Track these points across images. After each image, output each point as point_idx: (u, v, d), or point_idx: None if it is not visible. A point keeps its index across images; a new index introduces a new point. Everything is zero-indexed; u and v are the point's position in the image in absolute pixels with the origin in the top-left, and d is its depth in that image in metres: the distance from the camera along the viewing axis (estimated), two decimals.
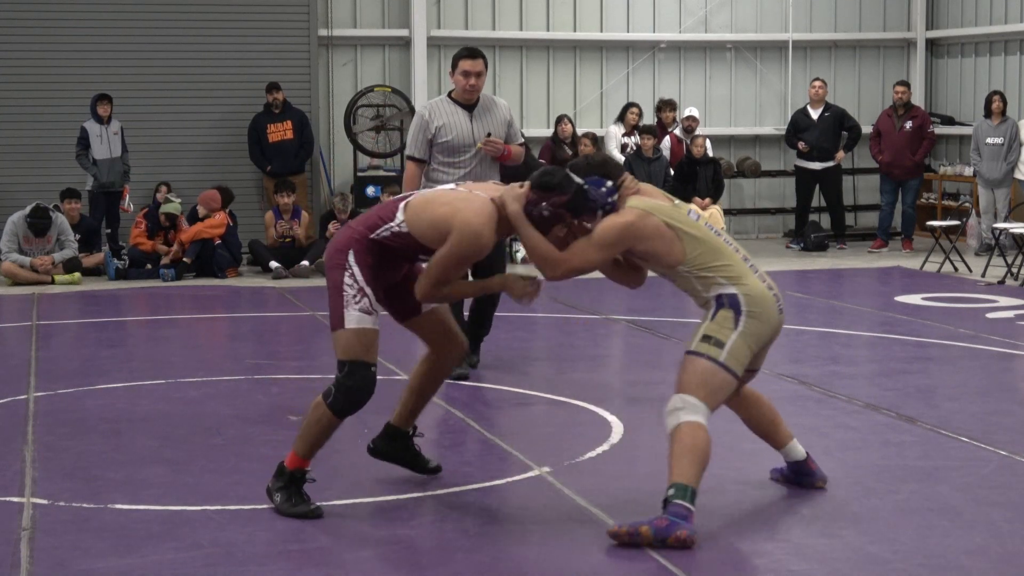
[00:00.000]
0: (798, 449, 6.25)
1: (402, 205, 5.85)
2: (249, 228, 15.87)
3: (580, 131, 16.90)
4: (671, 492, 5.44)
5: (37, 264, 14.42)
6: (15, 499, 5.97)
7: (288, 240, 15.28)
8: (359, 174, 16.82)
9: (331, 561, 5.29)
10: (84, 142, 15.28)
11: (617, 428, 7.38)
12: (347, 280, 5.80)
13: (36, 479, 6.33)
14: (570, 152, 16.60)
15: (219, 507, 5.90)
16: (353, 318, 5.79)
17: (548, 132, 17.41)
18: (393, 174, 16.72)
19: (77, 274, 14.57)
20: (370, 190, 16.52)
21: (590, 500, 5.93)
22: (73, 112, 15.86)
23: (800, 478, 6.25)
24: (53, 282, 14.39)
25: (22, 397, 8.27)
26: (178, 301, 13.30)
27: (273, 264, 14.88)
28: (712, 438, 5.60)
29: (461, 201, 5.76)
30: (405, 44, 17.57)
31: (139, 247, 14.94)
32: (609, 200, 5.76)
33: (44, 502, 5.94)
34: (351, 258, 5.82)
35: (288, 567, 5.20)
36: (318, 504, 5.84)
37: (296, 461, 5.93)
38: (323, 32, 17.29)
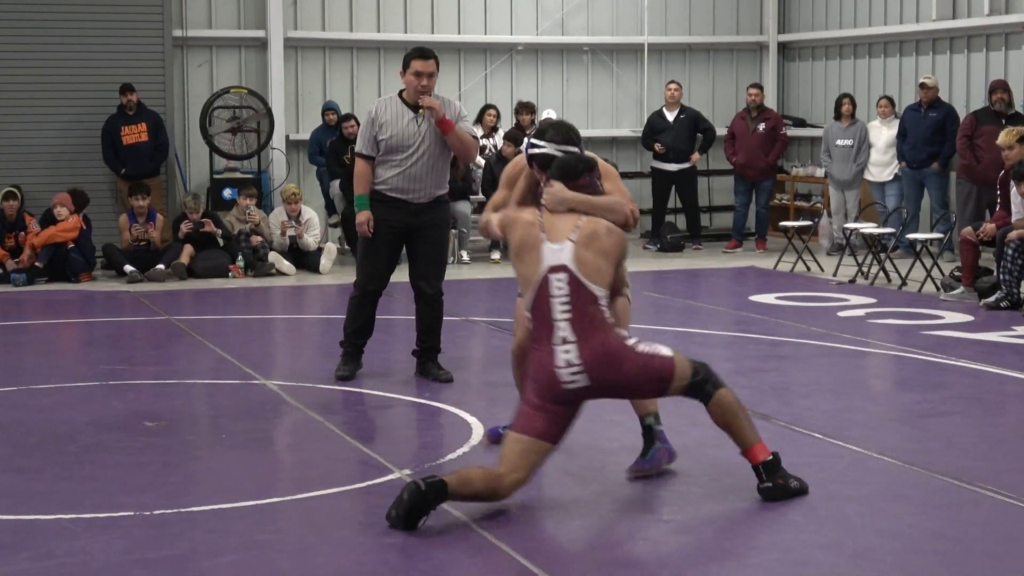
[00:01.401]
0: None
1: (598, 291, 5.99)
2: (103, 232, 15.61)
3: None
4: (653, 421, 6.63)
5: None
6: None
7: (143, 243, 15.07)
8: (215, 176, 16.65)
9: (188, 568, 5.23)
10: None
11: (478, 429, 7.40)
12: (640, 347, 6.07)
13: None
14: None
15: (73, 515, 5.81)
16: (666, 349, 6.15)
17: None
18: (250, 176, 16.59)
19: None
20: (227, 192, 16.36)
21: (452, 503, 5.94)
22: None
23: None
24: None
25: None
26: (30, 306, 13.04)
27: (128, 268, 14.67)
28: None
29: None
30: (261, 45, 17.43)
31: None
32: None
33: None
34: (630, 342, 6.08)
35: (146, 575, 5.13)
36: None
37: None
38: (178, 32, 17.08)
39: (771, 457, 6.09)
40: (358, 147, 8.87)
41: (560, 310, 5.89)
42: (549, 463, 6.12)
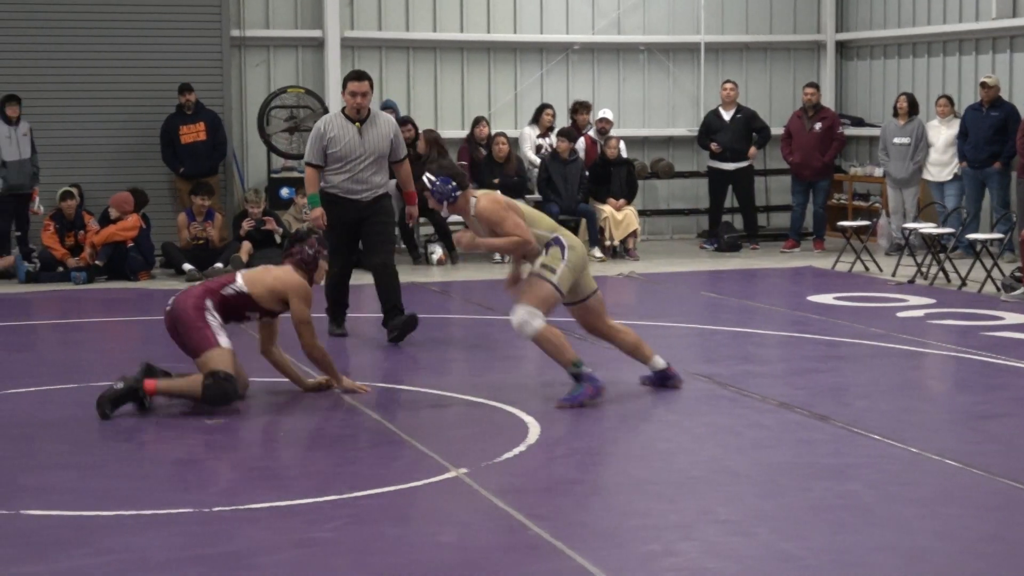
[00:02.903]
0: (659, 361, 8.41)
1: (239, 274, 8.24)
2: (162, 230, 15.73)
3: (495, 132, 16.93)
4: (573, 369, 7.98)
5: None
6: None
7: (202, 242, 15.17)
8: (272, 176, 16.74)
9: (245, 565, 5.26)
10: None
11: (534, 429, 7.40)
12: (210, 318, 7.94)
13: None
14: (485, 153, 16.62)
15: (132, 512, 5.85)
16: (224, 341, 7.90)
17: (462, 133, 17.41)
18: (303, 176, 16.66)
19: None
20: (284, 191, 16.45)
21: (507, 501, 5.94)
22: None
23: (664, 381, 8.43)
24: None
25: None
26: (89, 304, 13.16)
27: (186, 266, 14.78)
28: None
29: (285, 274, 8.37)
30: (318, 45, 17.50)
31: (51, 250, 14.76)
32: (454, 194, 8.14)
33: None
34: (209, 304, 7.98)
35: (202, 571, 5.16)
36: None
37: (151, 387, 7.88)
38: (235, 33, 17.18)
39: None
40: (307, 157, 10.47)
41: None
42: (605, 464, 6.11)
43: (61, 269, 14.67)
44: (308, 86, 17.14)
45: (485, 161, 16.55)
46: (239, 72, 17.34)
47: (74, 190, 15.12)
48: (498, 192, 8.35)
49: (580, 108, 17.38)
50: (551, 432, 7.32)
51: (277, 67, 17.49)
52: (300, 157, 16.78)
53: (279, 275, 8.35)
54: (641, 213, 17.63)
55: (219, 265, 14.74)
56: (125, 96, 16.62)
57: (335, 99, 17.14)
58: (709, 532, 5.66)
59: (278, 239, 15.23)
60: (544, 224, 8.22)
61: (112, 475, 6.56)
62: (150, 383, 7.89)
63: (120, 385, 7.83)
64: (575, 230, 16.78)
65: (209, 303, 8.02)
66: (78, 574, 5.10)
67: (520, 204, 8.36)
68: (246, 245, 15.07)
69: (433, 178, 8.18)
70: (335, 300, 10.76)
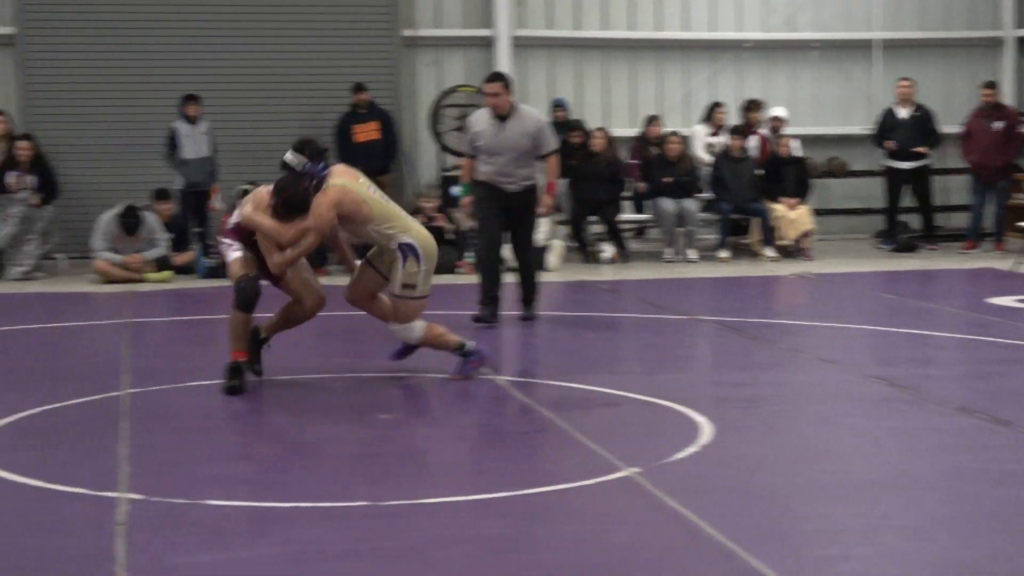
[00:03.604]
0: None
1: (237, 206, 8.77)
2: None
3: (667, 131, 16.85)
4: (460, 349, 8.63)
5: (128, 262, 14.60)
6: (110, 494, 6.04)
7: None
8: (444, 174, 16.88)
9: (419, 559, 5.30)
10: (173, 142, 15.46)
11: (706, 429, 7.34)
12: (224, 250, 8.65)
13: (131, 475, 6.40)
14: (657, 152, 16.55)
15: (310, 504, 5.93)
16: (230, 255, 8.59)
17: (632, 132, 17.37)
18: None
19: (168, 272, 14.75)
20: (456, 189, 16.57)
21: (680, 501, 5.90)
22: (162, 113, 16.04)
23: (404, 354, 8.77)
24: (144, 280, 14.57)
25: (115, 394, 8.36)
26: (265, 299, 13.34)
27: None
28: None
29: (260, 194, 8.59)
30: (488, 44, 17.61)
31: None
32: (321, 174, 8.27)
33: (139, 497, 6.00)
34: (225, 240, 8.67)
35: (377, 564, 5.21)
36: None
37: (234, 354, 8.40)
38: (407, 32, 17.36)
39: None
40: (463, 148, 11.55)
41: None
42: (780, 466, 6.02)
43: None
44: (478, 85, 17.24)
45: (657, 160, 16.48)
46: (410, 71, 17.51)
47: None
48: (345, 185, 8.29)
49: (752, 106, 17.22)
50: (724, 432, 7.26)
51: (447, 66, 17.64)
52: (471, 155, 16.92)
53: (258, 197, 8.61)
54: (814, 212, 17.40)
55: None
56: (300, 95, 16.92)
57: None
58: (887, 537, 5.55)
59: (451, 236, 15.34)
60: (398, 222, 8.37)
61: (290, 467, 6.67)
62: (232, 354, 8.49)
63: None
64: (745, 230, 16.64)
65: (225, 240, 8.70)
66: (257, 564, 5.18)
67: (374, 197, 8.39)
68: None
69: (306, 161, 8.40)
70: (485, 282, 11.24)
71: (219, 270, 14.84)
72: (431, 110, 16.83)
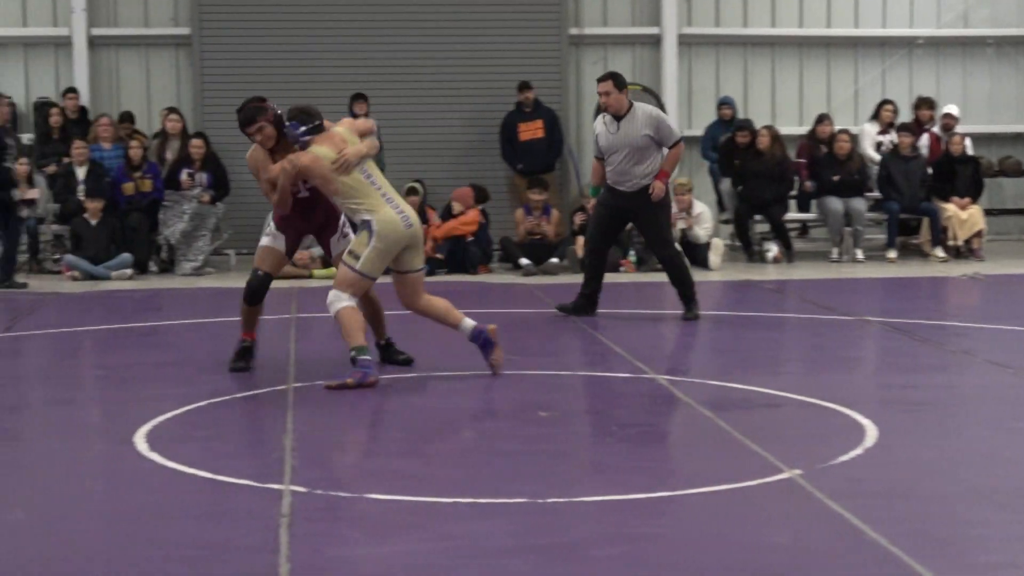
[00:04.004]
0: (468, 323, 8.79)
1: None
2: (500, 225, 16.05)
3: (836, 129, 16.62)
4: (354, 353, 8.32)
5: (296, 259, 14.84)
6: (275, 486, 6.14)
7: (538, 237, 15.40)
8: None
9: (578, 557, 5.29)
10: None
11: (871, 432, 7.21)
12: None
13: (295, 467, 6.51)
14: (826, 150, 16.34)
15: (469, 499, 5.96)
16: (261, 243, 8.98)
17: (799, 130, 17.17)
18: None
19: (334, 269, 14.93)
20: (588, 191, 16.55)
21: (843, 505, 5.81)
22: (331, 111, 16.21)
23: (478, 341, 8.81)
24: (312, 276, 14.80)
25: (281, 387, 8.51)
26: None
27: (523, 260, 15.03)
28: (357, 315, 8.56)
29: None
30: (655, 42, 17.54)
31: None
32: (302, 139, 8.56)
33: (302, 490, 6.09)
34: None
35: (536, 561, 5.22)
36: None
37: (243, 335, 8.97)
38: (573, 31, 17.37)
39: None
40: (595, 150, 11.56)
41: None
42: (945, 470, 5.89)
43: None
44: (645, 83, 17.19)
45: (825, 159, 16.27)
46: (576, 69, 17.52)
47: (418, 186, 15.57)
48: (319, 156, 8.52)
49: (923, 104, 16.90)
50: (889, 435, 7.12)
51: (613, 64, 17.59)
52: None
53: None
54: (987, 212, 17.01)
55: (555, 260, 14.94)
56: (466, 94, 17.04)
57: (671, 96, 17.17)
58: None
59: None
60: (366, 201, 8.51)
61: (451, 463, 6.71)
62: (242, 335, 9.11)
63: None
64: (915, 229, 16.33)
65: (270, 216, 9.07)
66: (418, 558, 5.23)
67: (352, 174, 8.53)
68: (580, 240, 15.20)
69: (286, 121, 8.63)
70: (586, 284, 11.45)
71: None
72: (597, 108, 16.81)
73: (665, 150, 11.15)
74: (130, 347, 9.64)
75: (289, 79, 16.88)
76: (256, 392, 8.39)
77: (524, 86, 16.48)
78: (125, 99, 17.29)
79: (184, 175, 15.54)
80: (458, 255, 15.16)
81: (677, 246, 11.72)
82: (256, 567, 5.07)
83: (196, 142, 15.71)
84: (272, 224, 9.03)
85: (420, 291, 8.85)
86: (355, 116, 15.68)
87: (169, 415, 7.57)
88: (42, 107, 16.79)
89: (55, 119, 16.26)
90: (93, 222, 15.29)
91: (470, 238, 15.24)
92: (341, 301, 8.50)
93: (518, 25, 17.24)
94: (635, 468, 6.66)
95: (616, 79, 11.23)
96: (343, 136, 8.70)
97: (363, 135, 8.90)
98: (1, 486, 6.45)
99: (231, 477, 6.30)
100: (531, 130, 16.51)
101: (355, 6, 17.11)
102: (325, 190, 8.58)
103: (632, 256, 15.21)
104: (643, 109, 11.28)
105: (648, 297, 13.42)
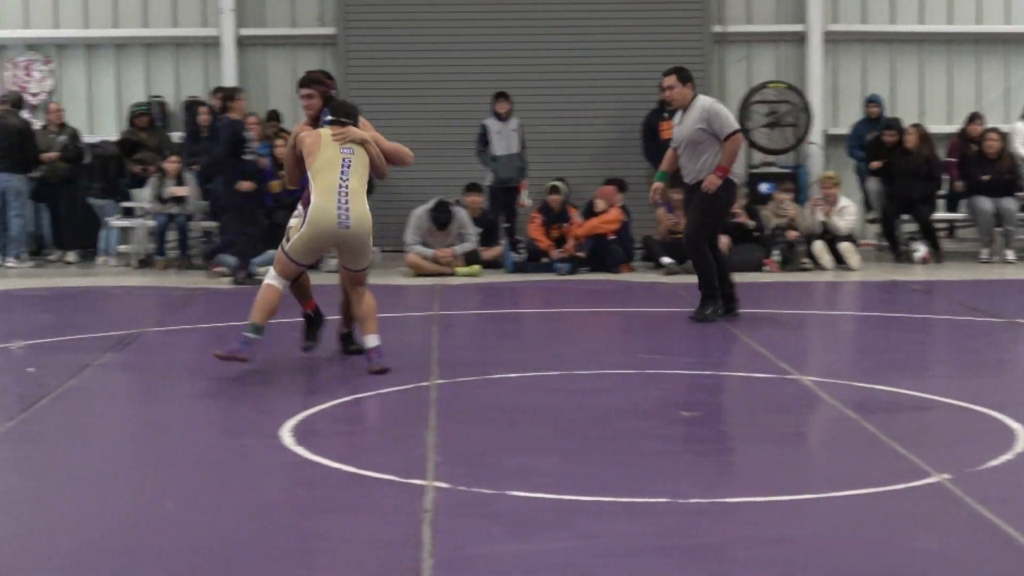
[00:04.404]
0: (371, 340, 8.85)
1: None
2: (643, 224, 16.00)
3: (985, 128, 16.30)
4: (249, 330, 8.56)
5: (439, 256, 14.94)
6: (418, 482, 6.18)
7: (679, 235, 15.32)
8: (752, 171, 16.72)
9: (722, 558, 5.25)
10: (484, 139, 15.74)
11: (1022, 436, 7.05)
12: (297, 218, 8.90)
13: (437, 463, 6.54)
14: (976, 148, 16.03)
15: (611, 498, 5.95)
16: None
17: (948, 128, 16.87)
18: (787, 171, 16.56)
19: (477, 266, 15.03)
20: (763, 187, 16.40)
21: (993, 510, 5.69)
22: (474, 110, 16.35)
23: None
24: (454, 274, 14.89)
25: (424, 384, 8.57)
26: (572, 295, 13.52)
27: (665, 259, 14.96)
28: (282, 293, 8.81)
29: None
30: (799, 39, 17.35)
31: (536, 241, 15.28)
32: (323, 120, 8.90)
33: (445, 486, 6.12)
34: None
35: (678, 561, 5.19)
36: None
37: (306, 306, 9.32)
38: (716, 28, 17.25)
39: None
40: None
41: None
42: None
43: (545, 260, 15.15)
44: (789, 81, 17.01)
45: (975, 158, 15.96)
46: (719, 67, 17.40)
47: (560, 184, 15.59)
48: (314, 131, 8.88)
49: None
50: None
51: (757, 62, 17.46)
52: (779, 152, 16.71)
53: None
54: None
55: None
56: (608, 92, 17.02)
57: (816, 94, 16.97)
58: None
59: (757, 233, 15.20)
60: (316, 183, 8.68)
61: (592, 462, 6.70)
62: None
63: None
64: None
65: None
66: (560, 556, 5.22)
67: (324, 155, 8.73)
68: (724, 238, 15.08)
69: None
70: (701, 278, 11.13)
71: (526, 265, 15.09)
72: (740, 106, 16.67)
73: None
74: (277, 342, 9.78)
75: (432, 78, 17.01)
76: (400, 388, 8.46)
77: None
78: (272, 98, 17.55)
79: None
80: (600, 254, 15.14)
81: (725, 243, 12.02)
82: (399, 561, 5.11)
83: None
84: (300, 207, 9.06)
85: (355, 288, 8.97)
86: (497, 116, 15.74)
87: (315, 410, 7.66)
88: (191, 106, 17.11)
89: (203, 118, 16.55)
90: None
91: (612, 237, 15.21)
92: (268, 278, 8.79)
93: (661, 22, 17.16)
94: (778, 469, 6.59)
95: (680, 73, 11.28)
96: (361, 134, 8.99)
97: (389, 151, 9.16)
98: (151, 478, 6.59)
99: (375, 472, 6.35)
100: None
101: (499, 5, 17.18)
102: (307, 166, 8.74)
103: (776, 255, 15.05)
104: (701, 102, 11.21)
105: (793, 297, 13.28)
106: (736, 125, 11.19)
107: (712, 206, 10.96)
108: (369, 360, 8.86)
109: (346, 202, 8.68)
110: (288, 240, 8.75)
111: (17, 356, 9.80)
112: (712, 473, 6.53)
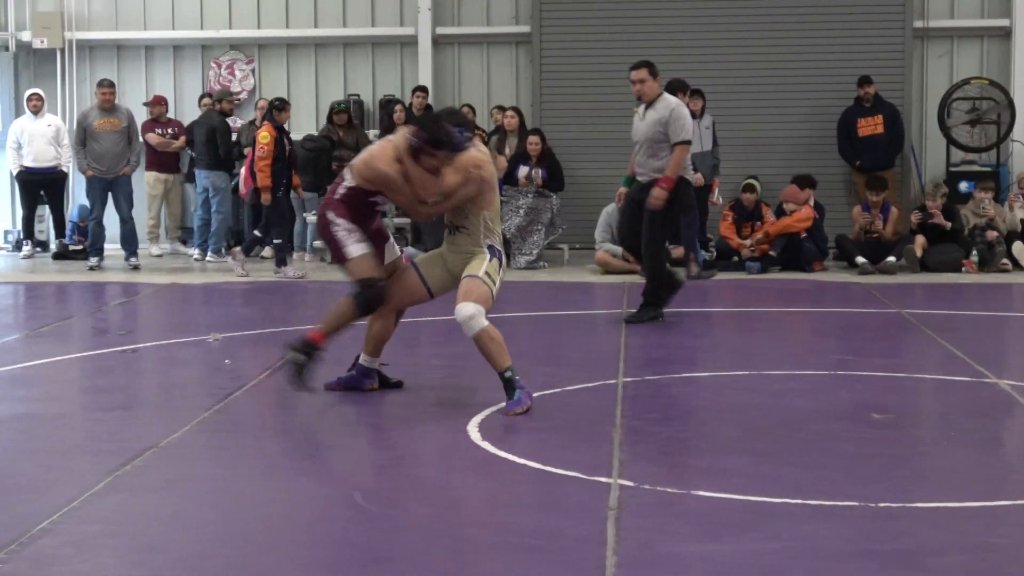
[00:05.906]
0: (373, 361, 8.18)
1: (346, 170, 7.93)
2: (837, 222, 15.75)
3: None
4: (509, 374, 7.65)
5: (627, 253, 14.89)
6: (604, 479, 6.17)
7: (875, 235, 15.04)
8: (951, 169, 16.32)
9: (915, 564, 5.12)
10: None
11: None
12: (336, 231, 7.77)
13: (623, 461, 6.52)
14: None
15: (800, 501, 5.86)
16: (354, 249, 7.77)
17: None
18: (988, 169, 16.13)
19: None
20: (963, 185, 15.99)
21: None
22: None
23: (357, 381, 8.21)
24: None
25: (612, 382, 8.55)
26: (764, 294, 13.37)
27: (859, 259, 14.70)
28: None
29: (373, 147, 7.92)
30: (1005, 35, 16.87)
31: (727, 240, 15.15)
32: (463, 142, 7.76)
33: (630, 484, 6.10)
34: (330, 215, 7.80)
35: (870, 567, 5.07)
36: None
37: (317, 336, 7.87)
38: (918, 24, 16.88)
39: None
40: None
41: None
42: None
43: (736, 259, 15.01)
44: (993, 77, 16.56)
45: None
46: (920, 63, 17.02)
47: (754, 182, 15.43)
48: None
49: None
50: None
51: (960, 58, 17.03)
52: (981, 150, 16.27)
53: (372, 149, 7.92)
54: None
55: (891, 259, 14.55)
56: (804, 89, 16.77)
57: (1021, 91, 16.49)
58: None
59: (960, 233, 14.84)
60: (497, 226, 7.97)
61: (782, 463, 6.60)
62: (313, 335, 7.92)
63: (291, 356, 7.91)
64: None
65: (331, 215, 7.82)
66: (751, 557, 5.15)
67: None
68: (920, 239, 14.79)
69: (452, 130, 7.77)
70: (650, 281, 10.91)
71: (716, 264, 14.95)
72: (941, 103, 16.28)
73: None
74: (466, 338, 9.87)
75: (625, 76, 16.92)
76: (586, 385, 8.45)
77: (864, 80, 16.10)
78: (465, 95, 17.69)
79: (521, 175, 15.76)
80: (792, 252, 14.93)
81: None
82: (584, 558, 5.10)
83: (533, 139, 15.94)
84: (352, 234, 7.90)
85: (400, 305, 8.21)
86: (691, 113, 15.63)
87: (501, 405, 7.69)
88: (387, 104, 17.34)
89: (399, 115, 16.75)
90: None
91: (804, 235, 15.00)
92: (483, 319, 7.72)
93: (860, 17, 16.84)
94: (974, 475, 6.42)
95: (651, 68, 10.99)
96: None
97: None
98: (340, 470, 6.70)
99: (560, 468, 6.36)
100: (870, 126, 16.12)
101: (693, 3, 17.05)
102: (482, 197, 7.83)
103: (974, 256, 14.67)
104: (667, 100, 10.90)
105: (992, 299, 12.93)
106: (689, 136, 10.90)
107: (668, 210, 10.77)
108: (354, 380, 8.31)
109: None
110: (493, 282, 7.81)
111: (214, 348, 10.04)
112: (904, 477, 6.38)
